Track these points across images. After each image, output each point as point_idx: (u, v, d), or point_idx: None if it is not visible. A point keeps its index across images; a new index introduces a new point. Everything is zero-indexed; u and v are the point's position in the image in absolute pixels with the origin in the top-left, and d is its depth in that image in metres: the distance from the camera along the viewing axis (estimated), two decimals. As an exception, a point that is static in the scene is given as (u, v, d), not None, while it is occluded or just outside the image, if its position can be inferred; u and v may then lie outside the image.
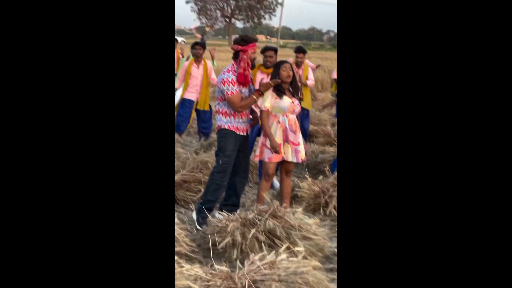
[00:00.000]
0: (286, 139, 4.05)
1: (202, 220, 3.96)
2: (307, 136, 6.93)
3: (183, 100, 6.59)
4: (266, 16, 56.20)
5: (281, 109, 4.04)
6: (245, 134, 4.07)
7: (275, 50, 4.94)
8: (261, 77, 4.94)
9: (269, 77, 4.23)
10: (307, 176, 4.88)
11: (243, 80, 3.87)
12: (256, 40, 3.96)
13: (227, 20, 54.95)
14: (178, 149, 5.97)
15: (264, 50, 4.93)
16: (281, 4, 53.61)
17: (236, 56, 3.93)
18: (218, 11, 55.50)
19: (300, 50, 6.36)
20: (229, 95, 3.85)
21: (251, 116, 4.14)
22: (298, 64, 6.26)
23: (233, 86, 3.84)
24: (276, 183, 5.31)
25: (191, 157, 5.10)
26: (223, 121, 3.97)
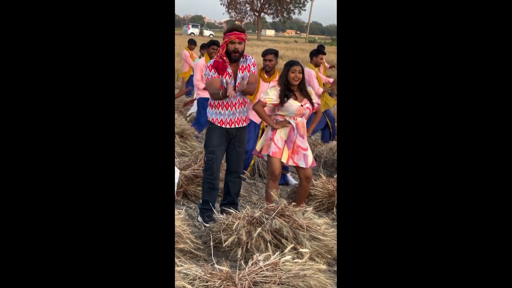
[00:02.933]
0: (288, 140, 3.89)
1: (207, 218, 3.88)
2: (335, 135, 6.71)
3: (202, 100, 6.41)
4: (296, 10, 55.88)
5: (289, 114, 3.89)
6: (232, 126, 3.85)
7: (275, 53, 4.80)
8: (263, 88, 4.76)
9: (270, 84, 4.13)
10: (322, 174, 4.74)
11: (216, 65, 3.77)
12: (235, 29, 3.77)
13: (257, 14, 54.83)
14: (194, 143, 5.92)
15: (264, 54, 4.81)
16: (311, -1, 53.41)
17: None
18: (247, 5, 55.45)
19: (321, 52, 6.22)
20: (206, 80, 3.86)
21: (244, 108, 3.92)
22: (318, 65, 6.16)
23: (210, 71, 3.79)
24: (292, 180, 5.20)
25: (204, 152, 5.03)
26: (209, 112, 3.89)
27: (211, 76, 3.78)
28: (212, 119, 3.84)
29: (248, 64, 3.84)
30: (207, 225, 3.81)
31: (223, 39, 3.80)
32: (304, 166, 3.90)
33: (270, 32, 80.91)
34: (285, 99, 3.85)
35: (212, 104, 3.85)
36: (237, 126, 3.87)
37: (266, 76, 4.83)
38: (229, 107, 3.81)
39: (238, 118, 3.87)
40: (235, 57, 3.75)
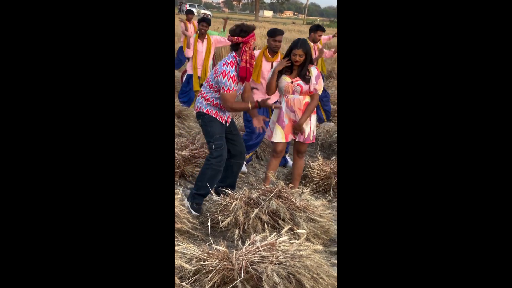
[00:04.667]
0: (278, 119, 3.95)
1: (197, 205, 3.77)
2: (329, 114, 6.80)
3: (188, 76, 6.72)
4: (294, -9, 55.37)
5: (279, 89, 3.93)
6: (229, 124, 3.88)
7: (283, 34, 4.70)
8: (266, 67, 4.69)
9: (272, 66, 4.07)
10: (319, 156, 4.76)
11: (244, 74, 3.59)
12: (254, 29, 3.66)
13: (255, -5, 54.36)
14: (191, 123, 5.92)
15: (273, 34, 4.58)
16: (310, -20, 52.89)
17: (235, 48, 3.63)
18: (245, -14, 54.92)
19: (320, 28, 6.24)
20: (225, 92, 3.57)
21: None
22: (316, 41, 6.14)
23: (233, 83, 3.55)
24: (291, 162, 5.23)
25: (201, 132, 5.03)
26: (207, 107, 3.76)
27: (233, 89, 3.58)
28: (213, 112, 3.75)
29: None
30: (194, 213, 3.69)
31: (247, 42, 3.58)
32: (299, 140, 3.96)
33: (268, 13, 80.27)
34: (279, 75, 3.89)
35: (215, 104, 3.74)
36: (227, 123, 3.89)
37: (269, 56, 4.71)
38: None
39: (230, 115, 3.93)
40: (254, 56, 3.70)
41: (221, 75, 3.57)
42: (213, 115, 3.74)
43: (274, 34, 4.58)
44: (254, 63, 3.71)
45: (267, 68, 4.66)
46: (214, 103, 3.73)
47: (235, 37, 3.59)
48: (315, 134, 4.10)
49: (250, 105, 3.70)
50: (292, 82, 3.88)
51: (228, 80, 3.54)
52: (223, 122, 3.80)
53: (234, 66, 3.58)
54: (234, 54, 3.64)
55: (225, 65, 3.58)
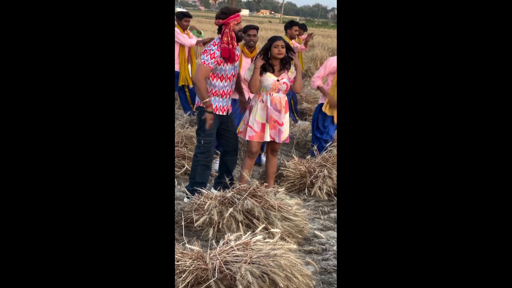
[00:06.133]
0: (267, 119, 3.93)
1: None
2: (298, 114, 6.84)
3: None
4: (271, -10, 55.41)
5: (264, 88, 3.91)
6: (225, 113, 3.90)
7: (257, 29, 4.78)
8: (245, 63, 4.75)
9: (254, 59, 4.07)
10: (294, 155, 4.77)
11: (227, 54, 3.67)
12: (238, 11, 3.77)
13: (231, -7, 54.21)
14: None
15: (246, 29, 4.70)
16: (286, -21, 52.99)
17: (219, 31, 3.75)
18: (222, -16, 54.75)
19: (295, 24, 6.25)
20: (200, 63, 3.69)
21: (235, 97, 4.00)
22: (293, 37, 6.15)
23: (211, 59, 3.65)
24: (264, 159, 5.23)
25: (176, 131, 4.99)
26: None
27: (208, 63, 3.66)
28: (211, 107, 3.76)
29: (237, 54, 3.85)
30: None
31: (227, 24, 3.67)
32: (278, 141, 3.96)
33: (245, 12, 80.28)
34: (263, 72, 3.87)
35: (214, 92, 3.80)
36: (228, 113, 3.94)
37: (247, 51, 4.78)
38: (225, 95, 3.85)
39: (229, 105, 3.95)
40: (241, 36, 3.80)
41: (203, 52, 3.72)
42: (214, 111, 3.78)
43: (247, 29, 4.70)
44: (235, 43, 3.75)
45: (247, 64, 4.71)
46: (214, 91, 3.78)
47: (217, 20, 3.73)
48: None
49: (207, 100, 3.70)
50: (278, 80, 3.88)
51: (207, 56, 3.66)
52: (222, 113, 3.85)
53: (216, 46, 3.69)
54: (220, 36, 3.75)
55: (209, 46, 3.73)
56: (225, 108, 3.89)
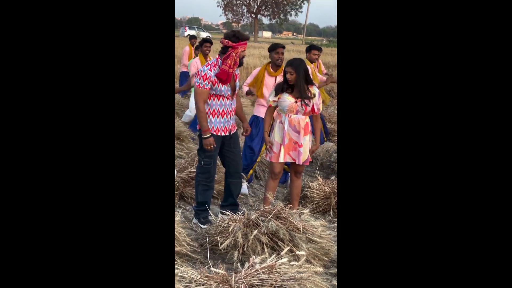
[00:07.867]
0: (283, 140, 3.91)
1: (203, 219, 3.88)
2: (327, 134, 6.76)
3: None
4: (293, 12, 55.93)
5: (281, 109, 3.91)
6: (227, 134, 3.85)
7: (284, 47, 4.74)
8: (270, 81, 4.71)
9: (276, 81, 4.07)
10: (318, 176, 4.74)
11: (224, 77, 3.63)
12: (247, 38, 3.73)
13: (253, 16, 54.84)
14: (190, 145, 5.91)
15: (274, 47, 4.67)
16: (308, 1, 53.39)
17: (224, 51, 3.68)
18: (244, 7, 55.48)
19: (314, 47, 6.19)
20: (196, 86, 3.67)
21: (235, 116, 3.94)
22: (312, 61, 6.10)
23: (204, 81, 3.62)
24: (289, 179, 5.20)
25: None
26: (209, 123, 3.77)
27: (203, 86, 3.65)
28: (214, 129, 3.76)
29: (235, 74, 3.83)
30: (204, 226, 3.81)
31: (235, 48, 3.64)
32: (297, 163, 3.93)
33: (267, 34, 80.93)
34: (280, 91, 3.87)
35: (207, 112, 3.76)
36: (231, 133, 3.89)
37: (272, 70, 4.74)
38: (225, 115, 3.80)
39: (232, 124, 3.90)
40: (242, 62, 3.78)
41: (196, 75, 3.73)
42: (214, 132, 3.75)
43: (275, 47, 4.67)
44: (236, 70, 3.76)
45: (270, 83, 4.69)
46: (212, 111, 3.75)
47: (226, 40, 3.67)
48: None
49: (204, 124, 3.69)
50: (296, 102, 3.86)
51: (200, 79, 3.64)
52: (225, 134, 3.81)
53: (211, 67, 3.67)
54: (217, 57, 3.73)
55: (204, 67, 3.71)
56: (226, 128, 3.83)
